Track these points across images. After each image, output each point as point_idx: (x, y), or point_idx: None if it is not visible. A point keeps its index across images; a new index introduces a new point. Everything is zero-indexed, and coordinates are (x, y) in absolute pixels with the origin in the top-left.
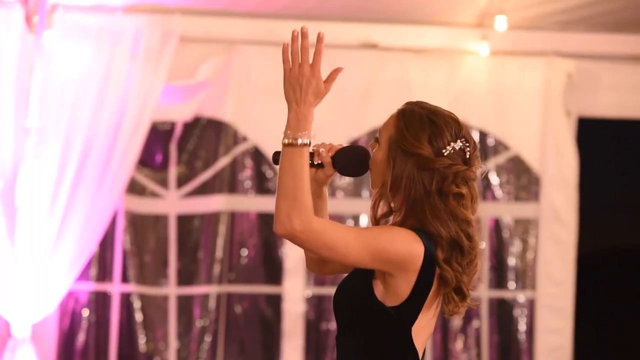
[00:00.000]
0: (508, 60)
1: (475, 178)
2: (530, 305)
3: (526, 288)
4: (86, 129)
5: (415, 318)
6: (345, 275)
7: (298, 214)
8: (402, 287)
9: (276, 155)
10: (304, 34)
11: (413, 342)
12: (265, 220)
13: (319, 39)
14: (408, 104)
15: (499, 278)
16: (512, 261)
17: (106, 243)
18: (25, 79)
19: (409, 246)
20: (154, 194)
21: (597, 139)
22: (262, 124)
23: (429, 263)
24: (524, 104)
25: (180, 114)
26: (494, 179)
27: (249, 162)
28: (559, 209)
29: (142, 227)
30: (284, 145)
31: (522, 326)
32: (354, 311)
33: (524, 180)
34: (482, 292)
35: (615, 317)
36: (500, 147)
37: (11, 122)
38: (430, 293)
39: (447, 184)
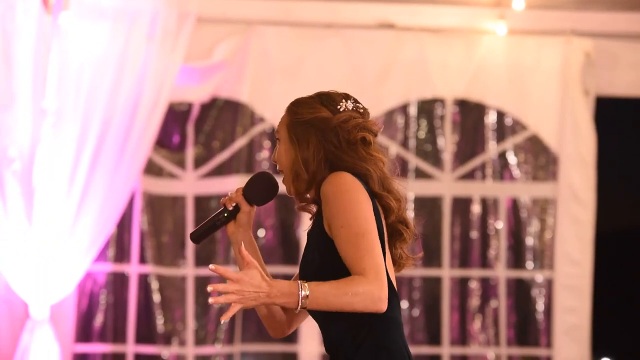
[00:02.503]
0: (526, 39)
1: (376, 131)
2: (548, 285)
3: (544, 268)
4: (103, 110)
5: (385, 250)
6: (302, 258)
7: (373, 295)
8: None
9: (193, 235)
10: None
11: (390, 276)
12: (283, 201)
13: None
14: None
15: (516, 258)
16: (530, 241)
17: (124, 224)
18: (42, 60)
19: (358, 191)
20: (171, 175)
21: (616, 118)
22: (279, 105)
23: (370, 195)
24: (541, 84)
25: (197, 94)
26: (512, 159)
27: (266, 143)
28: (577, 189)
29: (160, 208)
30: (304, 303)
31: (540, 306)
32: (326, 270)
33: (542, 160)
34: (500, 271)
35: (633, 296)
36: (518, 126)
37: (28, 104)
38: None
39: (352, 134)
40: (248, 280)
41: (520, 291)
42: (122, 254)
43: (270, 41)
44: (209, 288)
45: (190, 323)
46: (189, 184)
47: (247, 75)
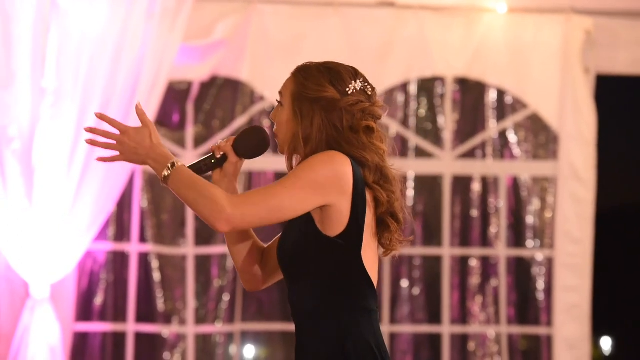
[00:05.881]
0: (526, 17)
1: (381, 116)
2: (549, 263)
3: (544, 246)
4: (103, 89)
5: (361, 241)
6: (284, 231)
7: (219, 206)
8: (342, 213)
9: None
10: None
11: (365, 268)
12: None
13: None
14: (300, 65)
15: (517, 236)
16: (530, 219)
17: (124, 203)
18: (41, 39)
19: (332, 165)
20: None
21: (616, 96)
22: (279, 83)
23: (359, 182)
24: (542, 62)
25: (197, 73)
26: (512, 137)
27: (266, 122)
28: (578, 167)
29: (160, 186)
30: (165, 179)
31: (540, 284)
32: (302, 254)
33: (542, 138)
34: (500, 250)
35: (633, 274)
36: (518, 105)
37: (28, 83)
38: (368, 215)
39: (357, 120)
40: (134, 134)
41: (521, 270)
42: (122, 233)
43: (270, 20)
44: (87, 127)
45: (191, 302)
46: (189, 162)
47: (247, 54)
